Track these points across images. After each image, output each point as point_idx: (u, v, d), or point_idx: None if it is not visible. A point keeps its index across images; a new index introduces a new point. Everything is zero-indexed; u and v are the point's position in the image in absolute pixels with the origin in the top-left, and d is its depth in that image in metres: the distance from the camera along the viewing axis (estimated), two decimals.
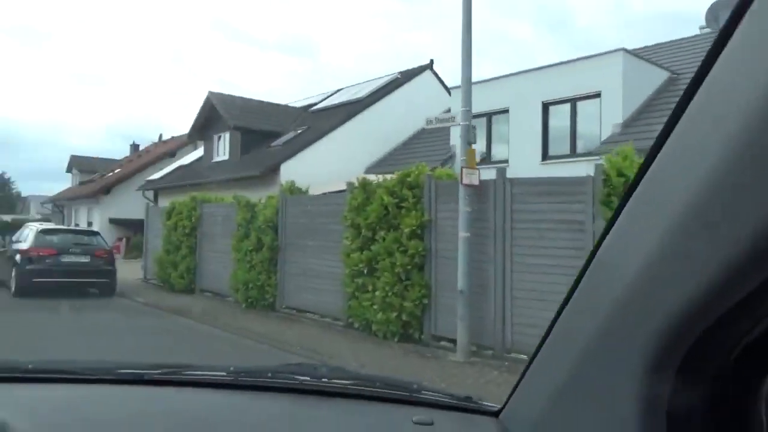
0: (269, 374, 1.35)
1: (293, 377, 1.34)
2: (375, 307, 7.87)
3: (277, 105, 24.35)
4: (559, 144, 13.85)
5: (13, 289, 11.74)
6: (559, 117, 13.86)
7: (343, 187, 13.07)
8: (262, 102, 23.81)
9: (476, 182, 6.92)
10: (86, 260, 12.15)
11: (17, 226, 38.75)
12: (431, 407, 1.23)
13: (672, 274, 0.60)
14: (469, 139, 7.05)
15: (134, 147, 41.14)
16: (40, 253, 11.72)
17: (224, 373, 1.33)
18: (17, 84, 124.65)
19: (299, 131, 20.87)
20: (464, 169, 6.88)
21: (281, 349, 7.33)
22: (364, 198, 8.46)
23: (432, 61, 22.52)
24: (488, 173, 7.16)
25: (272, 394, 1.26)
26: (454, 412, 1.24)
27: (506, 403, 1.08)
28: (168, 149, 33.78)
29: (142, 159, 34.73)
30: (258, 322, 9.39)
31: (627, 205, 0.70)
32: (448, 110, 18.61)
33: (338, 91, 24.75)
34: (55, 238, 12.43)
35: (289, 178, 17.35)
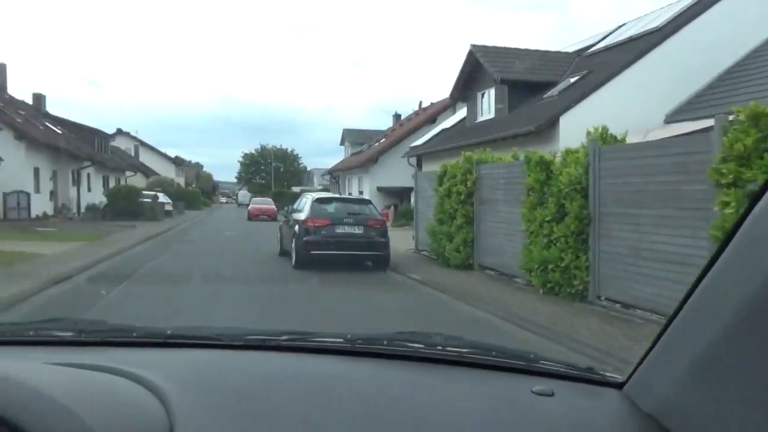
0: (385, 341, 1.32)
1: (408, 345, 1.31)
2: None
3: (546, 52, 21.00)
4: None
5: (293, 260, 11.20)
6: None
7: (641, 139, 9.61)
8: (528, 50, 20.76)
9: None
10: (359, 231, 11.00)
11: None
12: (551, 377, 1.16)
13: None
14: None
15: (396, 117, 41.78)
16: (316, 224, 10.89)
17: (342, 340, 1.32)
18: (297, 74, 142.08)
19: (576, 78, 17.40)
20: None
21: None
22: (758, 138, 5.12)
23: None
24: None
25: (388, 361, 1.23)
26: (575, 382, 1.16)
27: (631, 374, 1.05)
28: (428, 116, 33.03)
29: (404, 128, 34.71)
30: (574, 320, 6.71)
31: None
32: None
33: (620, 27, 20.29)
34: (329, 208, 11.57)
35: (569, 131, 14.28)
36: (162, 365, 1.07)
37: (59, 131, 30.69)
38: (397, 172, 30.84)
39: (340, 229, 10.89)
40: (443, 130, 24.87)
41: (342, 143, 43.20)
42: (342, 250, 10.68)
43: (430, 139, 25.19)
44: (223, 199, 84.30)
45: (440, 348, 1.32)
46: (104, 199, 28.55)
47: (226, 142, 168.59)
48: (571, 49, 21.58)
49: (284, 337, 1.31)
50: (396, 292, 9.31)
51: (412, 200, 29.13)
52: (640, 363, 1.01)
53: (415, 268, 11.47)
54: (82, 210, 28.52)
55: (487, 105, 20.17)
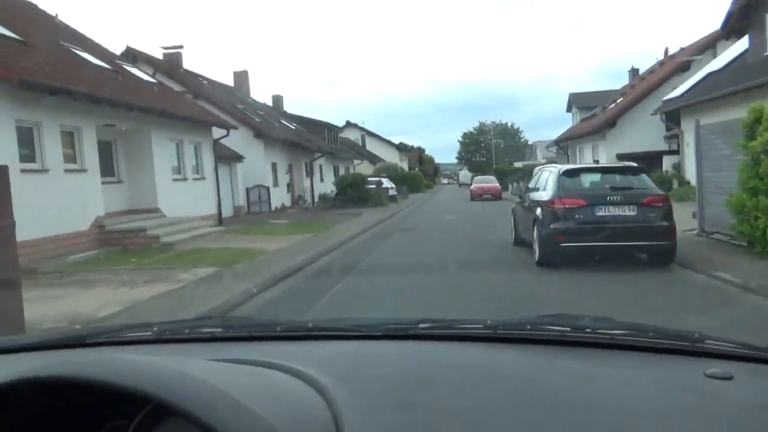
0: (528, 326, 1.25)
1: (554, 328, 1.24)
2: None
3: None
4: None
5: (536, 254, 8.50)
6: None
7: None
8: None
9: None
10: (632, 213, 7.83)
11: (528, 172, 39.52)
12: (723, 359, 1.02)
13: None
14: None
15: (633, 72, 35.58)
16: (567, 206, 8.02)
17: (482, 326, 1.27)
18: (510, 47, 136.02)
19: None
20: None
21: None
22: None
23: None
24: None
25: (533, 347, 1.14)
26: (754, 364, 1.02)
27: None
28: (677, 64, 26.91)
29: (646, 82, 28.99)
30: None
31: None
32: None
33: None
34: (584, 183, 8.59)
35: None
36: (311, 357, 1.04)
37: (293, 127, 32.37)
38: (640, 135, 25.74)
39: (601, 212, 7.86)
40: (710, 74, 19.40)
41: (569, 110, 38.56)
42: (607, 241, 7.66)
43: (691, 89, 19.91)
44: (445, 180, 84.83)
45: (590, 330, 1.23)
46: (335, 188, 29.16)
47: (445, 125, 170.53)
48: None
49: (423, 326, 1.28)
50: (712, 309, 5.92)
51: (664, 166, 23.96)
52: None
53: (717, 261, 7.83)
54: (316, 200, 29.59)
55: None
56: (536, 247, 8.47)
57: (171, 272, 9.16)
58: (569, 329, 1.21)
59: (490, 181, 32.72)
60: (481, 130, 66.61)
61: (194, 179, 17.06)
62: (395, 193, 33.06)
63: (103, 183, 12.85)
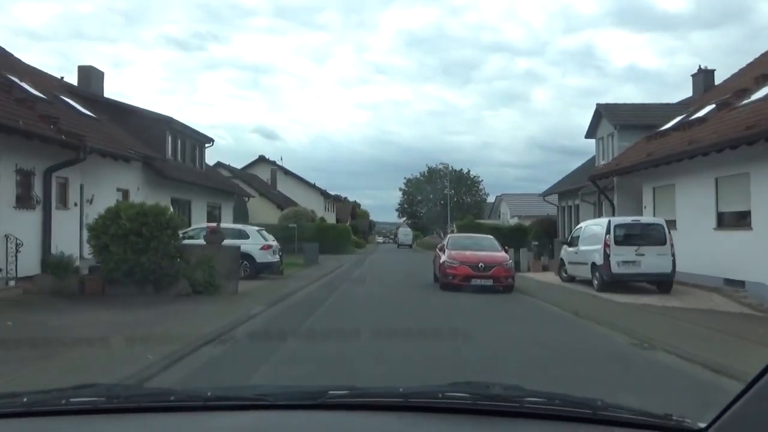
0: (440, 394, 1.21)
1: (465, 397, 1.20)
2: None
3: None
4: None
5: None
6: None
7: None
8: None
9: None
10: None
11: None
12: (622, 426, 1.06)
13: None
14: None
15: (705, 74, 19.83)
16: None
17: (394, 395, 1.19)
18: (451, 114, 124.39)
19: None
20: None
21: None
22: None
23: None
24: None
25: (444, 416, 1.13)
26: (650, 430, 1.05)
27: (715, 420, 0.94)
28: None
29: None
30: None
31: None
32: None
33: None
34: None
35: None
36: (203, 430, 1.04)
37: (90, 114, 13.55)
38: None
39: None
40: None
41: (590, 135, 22.19)
42: None
43: None
44: (380, 239, 68.04)
45: (500, 398, 1.20)
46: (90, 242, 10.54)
47: (385, 184, 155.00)
48: None
49: (333, 393, 1.17)
50: None
51: None
52: (726, 409, 0.92)
53: None
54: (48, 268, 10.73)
55: None
56: None
57: None
58: (480, 397, 1.18)
59: (490, 248, 12.89)
60: (431, 176, 48.77)
61: None
62: (274, 258, 14.34)
63: None
